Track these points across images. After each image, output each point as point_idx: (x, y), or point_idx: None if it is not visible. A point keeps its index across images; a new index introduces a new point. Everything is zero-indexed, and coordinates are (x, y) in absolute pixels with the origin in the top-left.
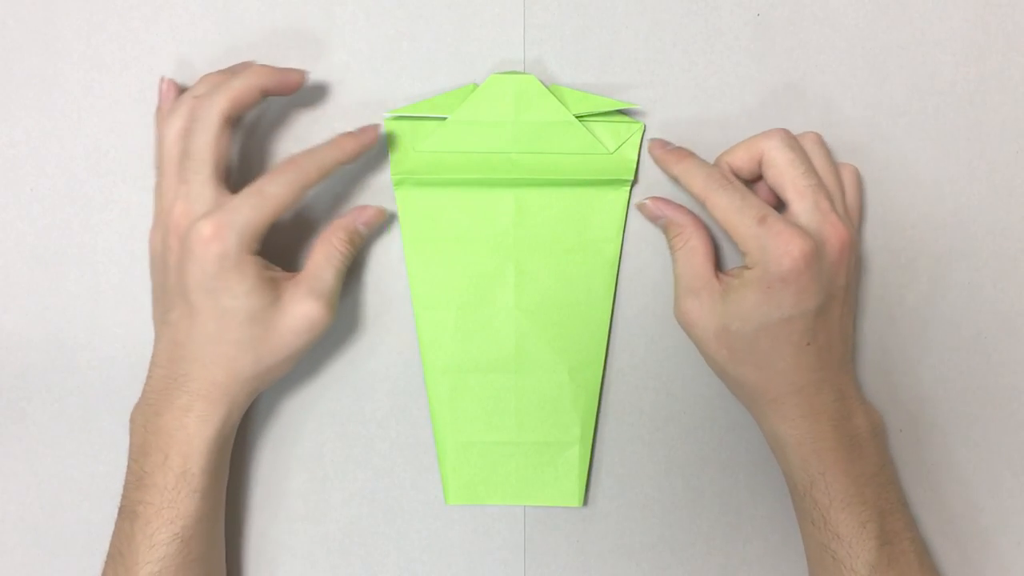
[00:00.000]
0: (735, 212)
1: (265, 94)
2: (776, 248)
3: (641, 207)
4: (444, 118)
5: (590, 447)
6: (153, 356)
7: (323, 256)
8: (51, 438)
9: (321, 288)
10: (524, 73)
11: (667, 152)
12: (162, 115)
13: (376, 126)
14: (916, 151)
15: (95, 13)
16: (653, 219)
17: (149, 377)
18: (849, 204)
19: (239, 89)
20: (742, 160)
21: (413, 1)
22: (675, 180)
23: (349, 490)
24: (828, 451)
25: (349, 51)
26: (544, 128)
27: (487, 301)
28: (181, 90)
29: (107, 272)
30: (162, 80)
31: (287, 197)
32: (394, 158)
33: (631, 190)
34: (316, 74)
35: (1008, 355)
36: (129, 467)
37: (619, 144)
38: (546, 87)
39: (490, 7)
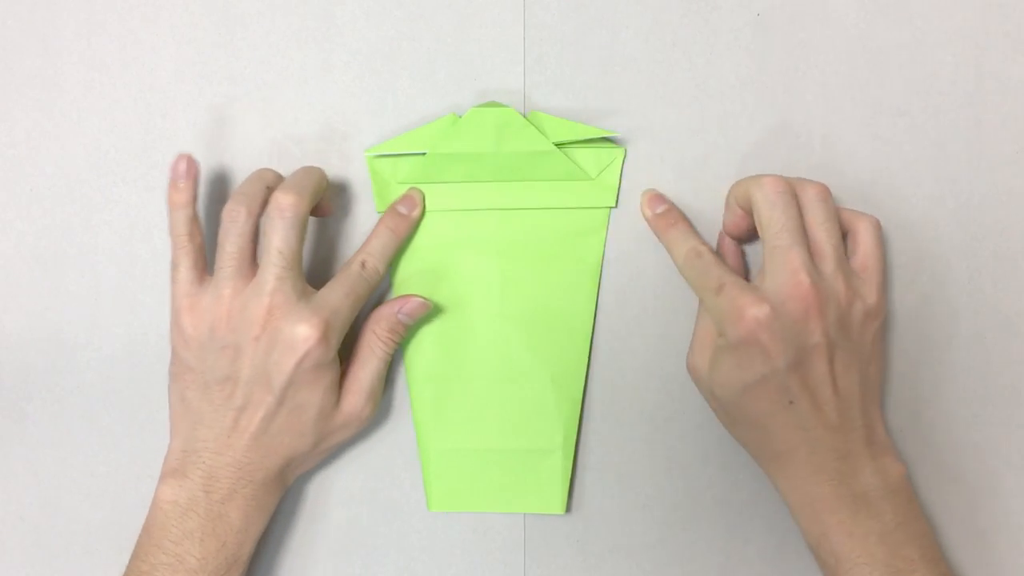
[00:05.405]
0: (699, 286)
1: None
2: (730, 315)
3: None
4: (424, 153)
5: (572, 454)
6: (202, 438)
7: (367, 349)
8: (51, 438)
9: (369, 386)
10: (503, 105)
11: (656, 217)
12: (179, 191)
13: (413, 196)
14: (916, 151)
15: (95, 13)
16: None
17: (199, 461)
18: (860, 260)
19: (313, 190)
20: (742, 201)
21: (413, 1)
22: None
23: (349, 491)
24: (828, 512)
25: (349, 51)
26: (526, 158)
27: (471, 308)
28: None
29: (107, 272)
30: (181, 157)
31: (368, 296)
32: (377, 192)
33: (611, 213)
34: (315, 75)
35: (1008, 355)
36: (160, 545)
37: (600, 170)
38: (525, 116)
39: (490, 7)
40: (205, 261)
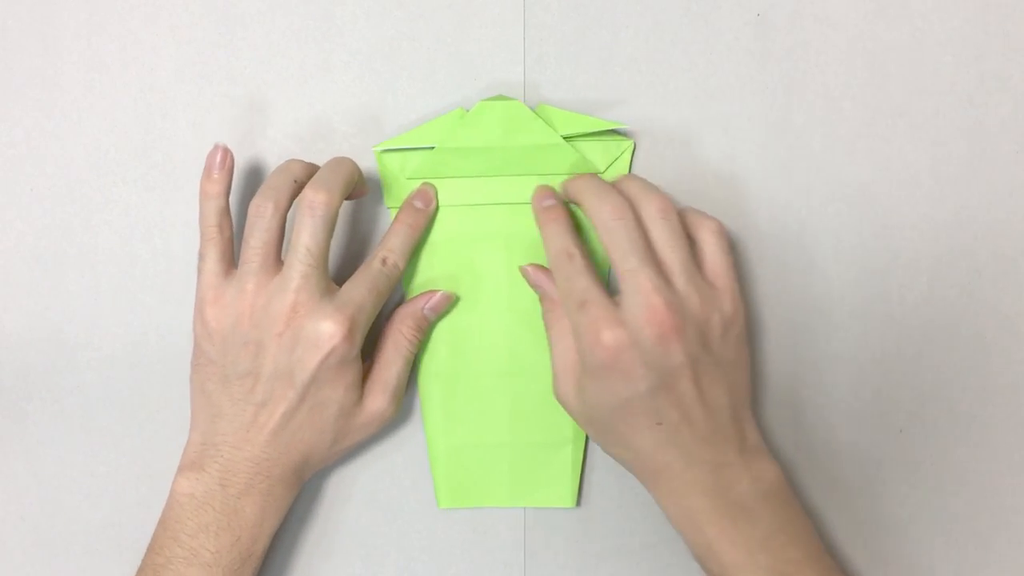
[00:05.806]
0: (564, 293)
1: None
2: (588, 337)
3: (522, 271)
4: (432, 148)
5: (583, 447)
6: (221, 432)
7: (393, 348)
8: (51, 438)
9: (394, 385)
10: (511, 99)
11: (540, 210)
12: (212, 182)
13: (426, 191)
14: (916, 151)
15: (95, 13)
16: (532, 286)
17: (216, 454)
18: (709, 269)
19: (344, 185)
20: (577, 203)
21: (413, 1)
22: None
23: (349, 490)
24: (709, 524)
25: (349, 51)
26: (534, 151)
27: (480, 303)
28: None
29: (107, 272)
30: (218, 148)
31: (390, 292)
32: (386, 188)
33: None
34: (315, 75)
35: (1008, 355)
36: (176, 538)
37: (609, 163)
38: (533, 109)
39: (490, 7)
40: (233, 254)
